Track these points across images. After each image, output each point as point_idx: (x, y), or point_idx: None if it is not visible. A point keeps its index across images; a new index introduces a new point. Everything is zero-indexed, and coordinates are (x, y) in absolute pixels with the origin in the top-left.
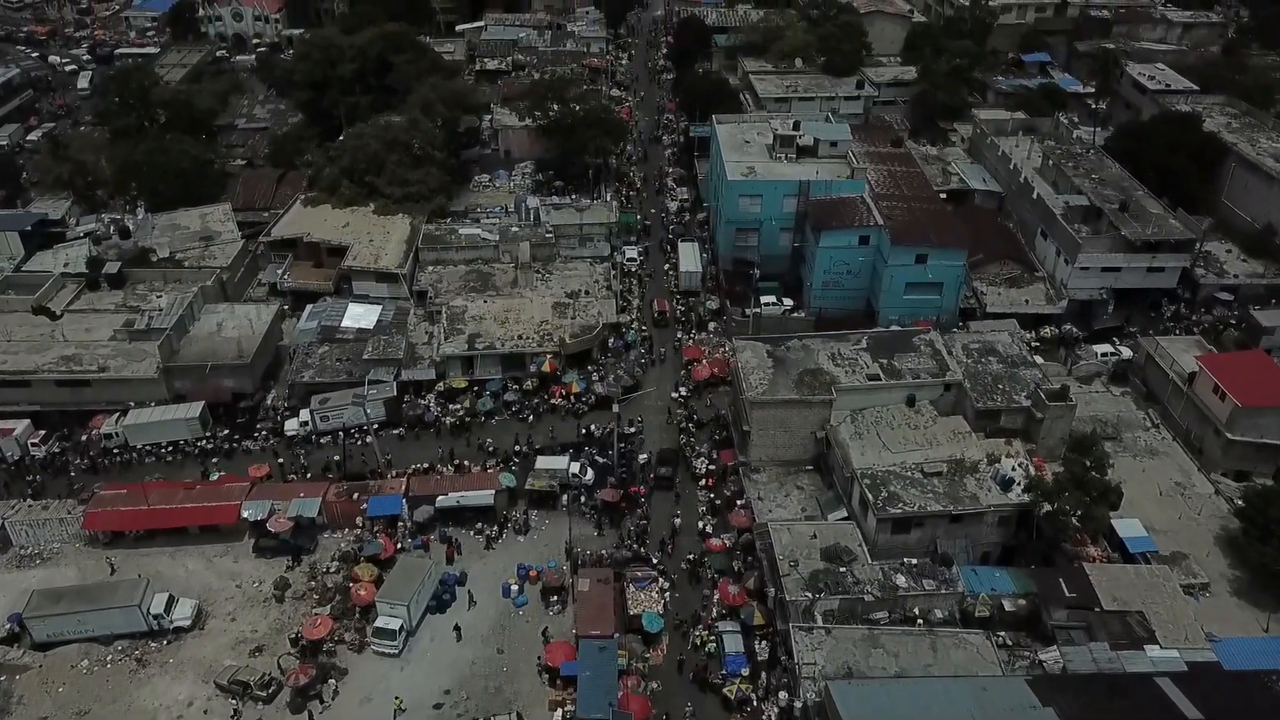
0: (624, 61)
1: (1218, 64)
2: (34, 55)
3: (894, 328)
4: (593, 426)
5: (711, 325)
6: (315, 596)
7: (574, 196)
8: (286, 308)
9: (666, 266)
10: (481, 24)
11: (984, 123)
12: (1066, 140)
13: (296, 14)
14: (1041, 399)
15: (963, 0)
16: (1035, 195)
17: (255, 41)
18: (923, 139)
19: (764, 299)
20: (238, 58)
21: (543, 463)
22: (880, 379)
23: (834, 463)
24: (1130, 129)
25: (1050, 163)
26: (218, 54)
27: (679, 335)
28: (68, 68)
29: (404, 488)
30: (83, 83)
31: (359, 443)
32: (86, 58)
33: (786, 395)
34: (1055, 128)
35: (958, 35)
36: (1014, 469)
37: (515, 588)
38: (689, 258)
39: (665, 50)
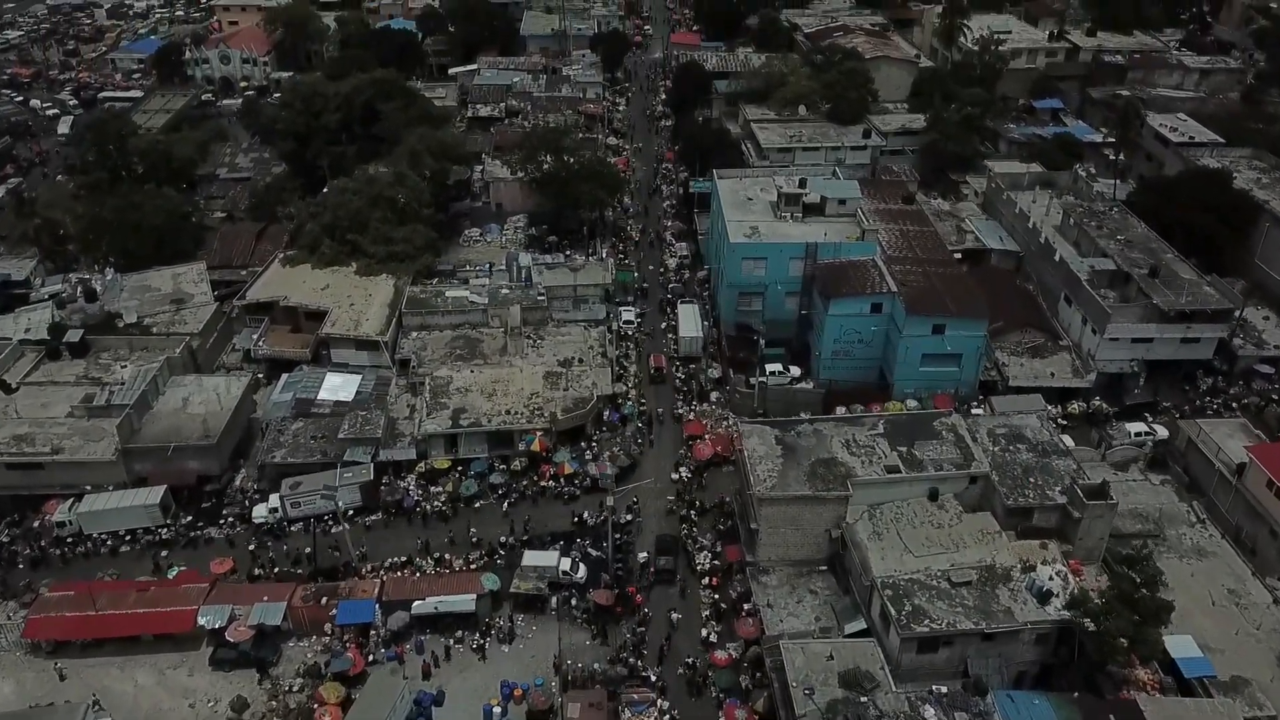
0: (621, 107)
1: (1241, 114)
2: (17, 99)
3: (910, 401)
4: (585, 514)
5: (714, 395)
6: (276, 719)
7: (568, 253)
8: (261, 375)
9: (664, 325)
10: (475, 67)
11: (999, 176)
12: (1087, 196)
13: (286, 57)
14: (1079, 496)
15: (971, 45)
16: (1058, 257)
17: (243, 85)
18: (933, 192)
19: (769, 366)
20: (224, 101)
21: (530, 558)
22: (900, 470)
23: (850, 565)
24: (1155, 185)
25: (1071, 221)
26: (203, 97)
27: (679, 404)
28: (49, 112)
29: (377, 590)
30: (63, 128)
31: (330, 530)
32: (73, 102)
33: (798, 490)
34: (1074, 181)
35: (967, 81)
36: (1051, 578)
37: (498, 710)
38: (689, 321)
39: (664, 95)
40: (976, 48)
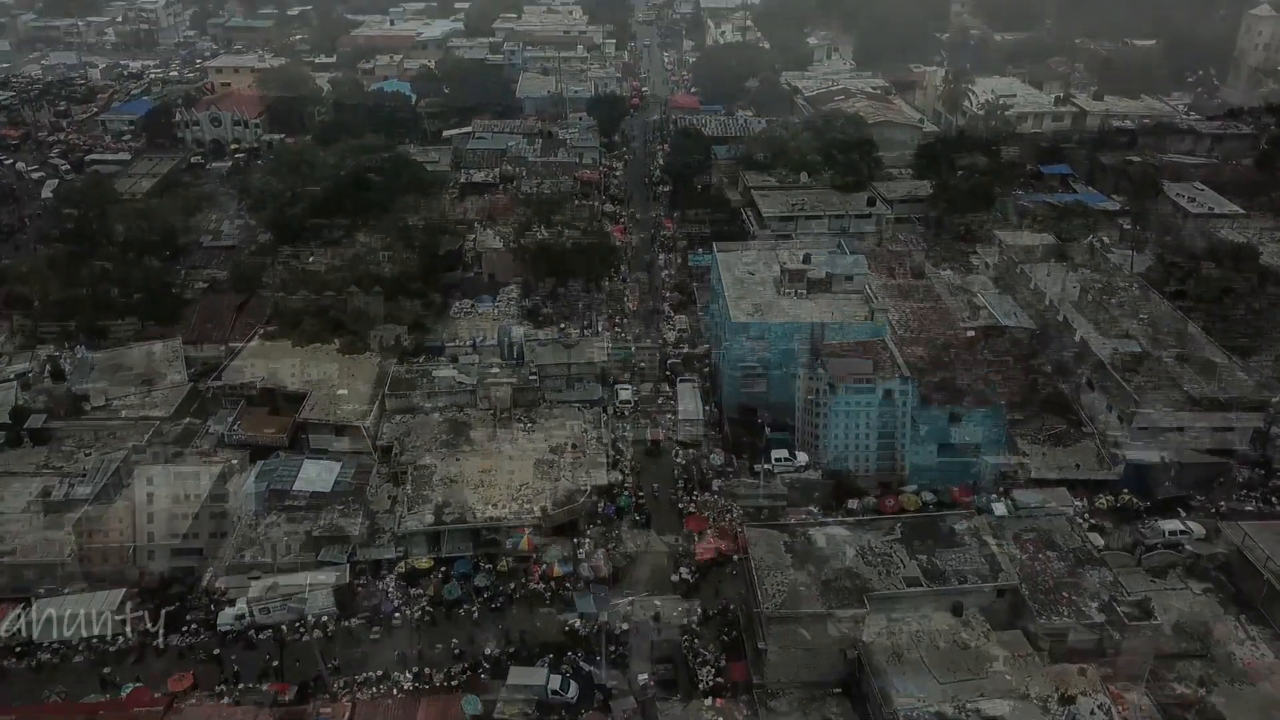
0: (618, 172)
1: (1259, 182)
2: (5, 162)
3: (926, 494)
4: (577, 622)
5: (715, 484)
6: None
7: (562, 327)
8: (235, 462)
9: (661, 402)
10: (469, 130)
11: (1011, 249)
12: (1103, 269)
13: (278, 119)
14: (1120, 617)
15: (976, 110)
16: (1078, 337)
17: (234, 147)
18: (942, 262)
19: (774, 453)
20: (214, 164)
21: (516, 675)
22: (921, 583)
23: (868, 690)
24: (1177, 259)
25: (1090, 297)
26: (193, 160)
27: (678, 490)
28: (35, 175)
29: (347, 717)
30: (48, 192)
31: (302, 639)
32: (65, 167)
33: (810, 607)
34: (1090, 254)
35: (973, 147)
36: (1093, 712)
37: None
38: (689, 402)
39: (662, 160)
40: (982, 112)
